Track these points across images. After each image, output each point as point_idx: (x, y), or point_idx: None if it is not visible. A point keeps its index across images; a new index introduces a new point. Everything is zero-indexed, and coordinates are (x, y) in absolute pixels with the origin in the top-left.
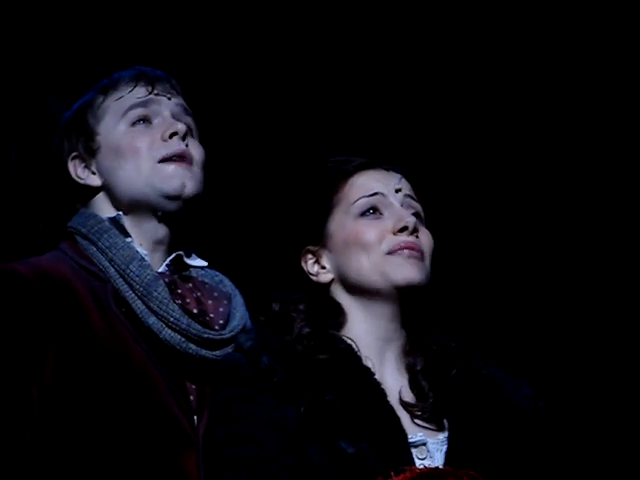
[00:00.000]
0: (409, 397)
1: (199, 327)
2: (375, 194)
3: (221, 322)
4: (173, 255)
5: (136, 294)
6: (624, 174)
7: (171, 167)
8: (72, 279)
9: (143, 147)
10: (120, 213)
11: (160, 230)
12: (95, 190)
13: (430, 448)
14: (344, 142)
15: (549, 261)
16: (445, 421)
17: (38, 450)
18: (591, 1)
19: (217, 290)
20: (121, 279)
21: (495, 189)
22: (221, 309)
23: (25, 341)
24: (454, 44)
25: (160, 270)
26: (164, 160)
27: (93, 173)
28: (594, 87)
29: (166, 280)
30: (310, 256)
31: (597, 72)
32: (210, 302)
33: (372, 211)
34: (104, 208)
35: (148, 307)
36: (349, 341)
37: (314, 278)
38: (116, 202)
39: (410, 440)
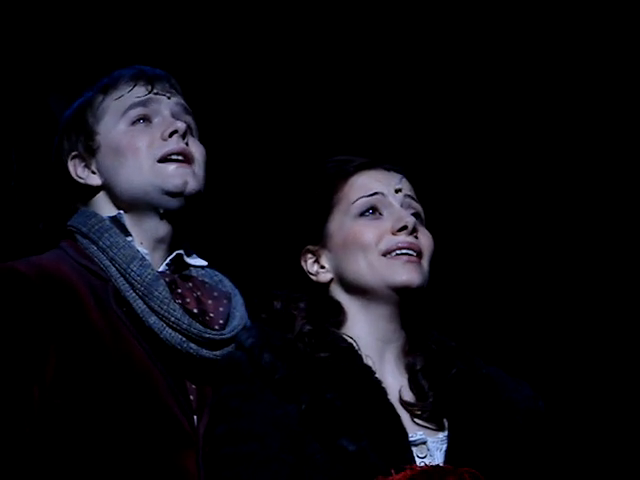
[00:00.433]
0: (409, 397)
1: (200, 327)
2: (375, 194)
3: (221, 322)
4: (174, 254)
5: (137, 293)
6: (624, 174)
7: (172, 167)
8: (73, 278)
9: (143, 146)
10: (121, 212)
11: (161, 228)
12: (95, 189)
13: (430, 447)
14: (344, 142)
15: (549, 261)
16: (445, 420)
17: (38, 449)
18: (591, 1)
19: (217, 290)
20: (122, 278)
21: (495, 189)
22: (221, 309)
23: (26, 340)
24: (454, 44)
25: (160, 269)
26: (164, 159)
27: (93, 172)
28: (594, 87)
29: (166, 279)
30: (310, 256)
31: (597, 72)
32: (210, 302)
33: (371, 211)
34: (104, 207)
35: (149, 306)
36: (350, 340)
37: (314, 278)
38: (116, 201)
39: (410, 439)
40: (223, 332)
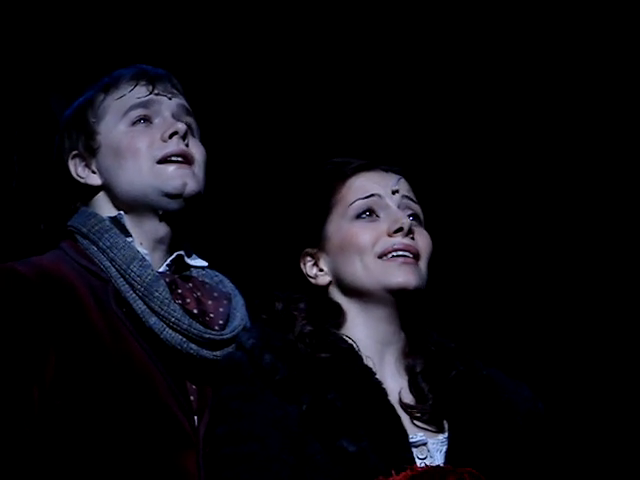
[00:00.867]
0: (409, 399)
1: (200, 327)
2: (371, 196)
3: (221, 322)
4: (174, 255)
5: (137, 294)
6: (624, 174)
7: (171, 168)
8: (73, 279)
9: (143, 147)
10: (121, 212)
11: (161, 229)
12: (95, 189)
13: (430, 448)
14: (343, 143)
15: (548, 262)
16: (445, 422)
17: (38, 450)
18: (591, 1)
19: (217, 290)
20: (122, 279)
21: (495, 190)
22: (221, 309)
23: (26, 341)
24: (454, 44)
25: (160, 270)
26: (163, 160)
27: (93, 172)
28: (594, 87)
29: (166, 280)
30: (309, 258)
31: (597, 72)
32: (210, 302)
33: (368, 213)
34: (105, 207)
35: (149, 307)
36: (350, 341)
37: (312, 280)
38: (116, 201)
39: (411, 440)
40: (223, 332)
